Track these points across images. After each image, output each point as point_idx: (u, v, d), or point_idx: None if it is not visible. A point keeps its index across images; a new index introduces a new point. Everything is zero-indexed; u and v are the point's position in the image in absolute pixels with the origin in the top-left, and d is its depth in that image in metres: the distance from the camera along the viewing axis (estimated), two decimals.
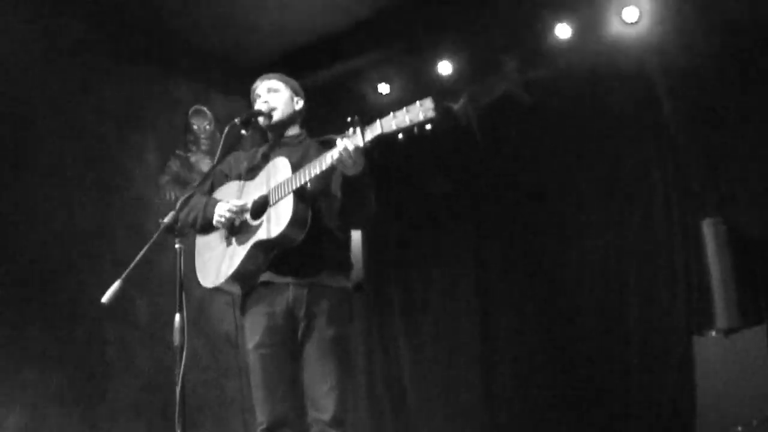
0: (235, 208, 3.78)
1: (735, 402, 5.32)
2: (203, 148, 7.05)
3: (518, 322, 7.09)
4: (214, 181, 4.10)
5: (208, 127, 7.10)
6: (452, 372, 7.36)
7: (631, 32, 6.28)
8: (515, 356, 7.06)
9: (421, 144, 3.46)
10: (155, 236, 3.47)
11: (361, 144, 3.38)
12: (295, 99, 4.10)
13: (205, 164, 6.97)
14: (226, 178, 4.08)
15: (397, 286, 7.85)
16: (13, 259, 5.62)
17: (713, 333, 5.63)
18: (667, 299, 6.26)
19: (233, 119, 3.91)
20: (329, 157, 3.47)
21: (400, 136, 3.28)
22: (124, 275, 3.35)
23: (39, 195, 5.86)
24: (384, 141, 3.34)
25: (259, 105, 4.02)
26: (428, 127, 3.24)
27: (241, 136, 3.92)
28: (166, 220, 3.50)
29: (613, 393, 6.39)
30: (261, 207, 3.75)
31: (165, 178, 6.72)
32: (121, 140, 6.51)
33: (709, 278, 5.72)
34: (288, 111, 4.03)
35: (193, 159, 6.97)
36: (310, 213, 3.65)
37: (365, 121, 3.41)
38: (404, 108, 3.26)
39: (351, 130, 3.42)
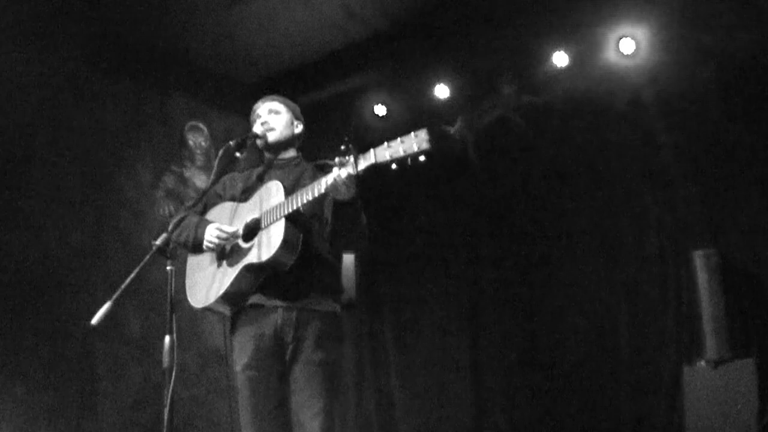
0: (224, 235, 3.79)
1: None
2: (198, 163, 7.06)
3: (508, 349, 7.07)
4: (207, 201, 4.11)
5: (203, 143, 7.12)
6: (442, 396, 7.33)
7: (628, 63, 6.37)
8: (505, 384, 7.04)
9: (415, 168, 3.45)
10: (146, 258, 3.48)
11: (354, 172, 3.38)
12: (295, 123, 4.13)
13: (199, 180, 6.98)
14: (219, 198, 4.09)
15: (389, 309, 7.84)
16: (4, 275, 5.62)
17: (703, 363, 5.61)
18: (657, 329, 6.26)
19: (228, 139, 3.93)
20: (323, 183, 3.48)
21: (394, 166, 3.28)
22: (114, 297, 3.34)
23: (33, 211, 5.87)
24: (377, 170, 3.34)
25: (258, 126, 4.04)
26: (422, 158, 3.23)
27: (236, 158, 3.94)
28: (158, 242, 3.52)
29: (602, 421, 6.38)
30: (252, 230, 3.75)
31: (159, 193, 6.73)
32: (116, 155, 6.52)
33: (699, 309, 5.72)
34: (286, 134, 4.05)
35: (187, 174, 6.98)
36: (301, 238, 3.66)
37: (359, 148, 3.40)
38: (399, 138, 3.24)
39: (345, 157, 3.41)
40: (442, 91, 7.09)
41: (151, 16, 6.48)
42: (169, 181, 6.81)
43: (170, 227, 3.71)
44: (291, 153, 4.10)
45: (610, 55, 6.40)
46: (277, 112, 4.08)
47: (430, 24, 6.88)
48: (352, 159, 3.37)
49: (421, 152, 3.20)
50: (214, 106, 7.31)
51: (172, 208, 6.71)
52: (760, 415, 5.18)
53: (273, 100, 4.15)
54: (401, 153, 3.22)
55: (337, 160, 3.43)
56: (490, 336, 7.23)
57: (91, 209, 6.23)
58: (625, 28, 6.30)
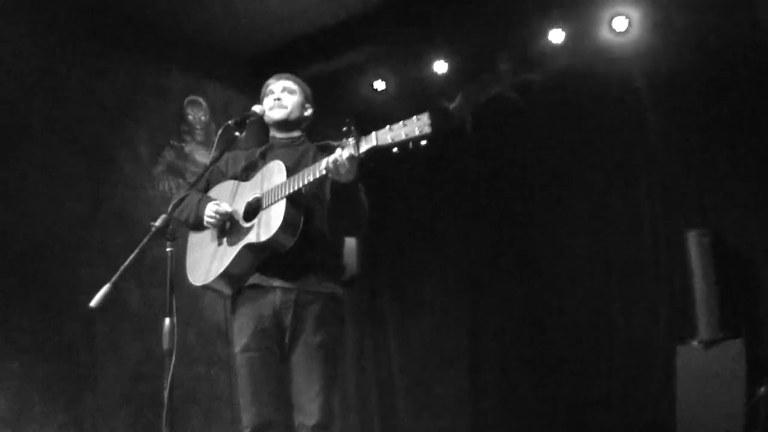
0: (224, 211, 3.82)
1: (712, 412, 5.39)
2: (198, 138, 7.07)
3: (505, 329, 7.15)
4: (210, 178, 4.13)
5: (203, 117, 7.12)
6: (442, 373, 7.44)
7: (621, 41, 6.40)
8: (502, 365, 7.13)
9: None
10: (146, 239, 3.46)
11: (355, 154, 3.40)
12: (306, 105, 4.16)
13: (199, 155, 6.99)
14: (222, 176, 4.11)
15: (388, 285, 7.92)
16: (0, 248, 5.63)
17: (695, 343, 5.68)
18: (650, 309, 6.33)
19: (227, 112, 3.92)
20: (323, 165, 3.49)
21: (395, 150, 3.30)
22: (114, 279, 3.29)
23: (29, 185, 5.85)
24: (378, 152, 3.36)
25: (268, 102, 4.08)
26: (423, 143, 3.25)
27: (235, 137, 3.96)
28: (158, 223, 3.51)
29: (594, 397, 6.47)
30: (254, 209, 3.78)
31: (159, 168, 6.75)
32: (114, 130, 6.51)
33: (692, 289, 5.79)
34: (296, 114, 4.08)
35: (187, 149, 6.99)
36: (302, 219, 3.68)
37: (361, 129, 3.42)
38: (401, 122, 3.25)
39: (346, 139, 3.44)
40: (440, 67, 7.11)
41: None
42: (169, 156, 6.82)
43: (170, 207, 3.72)
44: (296, 133, 4.12)
45: (604, 33, 6.43)
46: (291, 92, 4.10)
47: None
48: (353, 141, 3.40)
49: (422, 136, 3.21)
50: (212, 79, 7.29)
51: (172, 184, 6.73)
52: (748, 395, 5.27)
53: (288, 78, 4.15)
54: (402, 137, 3.23)
55: (340, 141, 3.47)
56: (487, 319, 7.30)
57: (88, 183, 6.22)
58: (618, 7, 6.32)
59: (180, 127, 6.97)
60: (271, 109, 4.06)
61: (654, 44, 6.31)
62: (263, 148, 4.12)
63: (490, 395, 7.15)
